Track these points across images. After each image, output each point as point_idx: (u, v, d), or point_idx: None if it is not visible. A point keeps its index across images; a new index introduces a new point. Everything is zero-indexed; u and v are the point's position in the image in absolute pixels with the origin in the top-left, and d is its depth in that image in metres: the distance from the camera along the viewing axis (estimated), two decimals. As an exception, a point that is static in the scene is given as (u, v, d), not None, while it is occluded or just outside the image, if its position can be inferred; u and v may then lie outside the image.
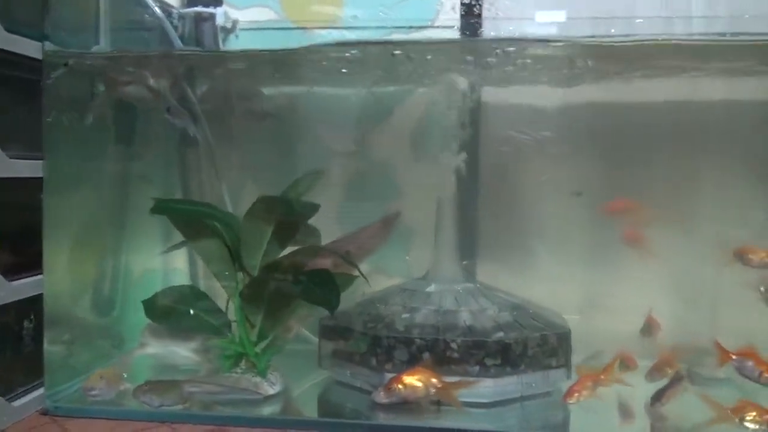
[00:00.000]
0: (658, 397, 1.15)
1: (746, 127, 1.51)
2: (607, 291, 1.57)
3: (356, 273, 1.33)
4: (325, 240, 1.41)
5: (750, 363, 1.14)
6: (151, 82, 1.30)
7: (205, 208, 1.30)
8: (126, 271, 1.56)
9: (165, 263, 1.61)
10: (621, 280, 1.57)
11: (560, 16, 1.45)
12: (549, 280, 1.58)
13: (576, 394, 1.14)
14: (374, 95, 1.67)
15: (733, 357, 1.16)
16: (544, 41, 1.43)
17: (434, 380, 1.15)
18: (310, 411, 1.33)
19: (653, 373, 1.28)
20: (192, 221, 1.27)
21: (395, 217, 1.47)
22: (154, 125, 1.54)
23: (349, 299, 1.39)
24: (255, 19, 1.66)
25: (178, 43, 1.51)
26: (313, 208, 1.27)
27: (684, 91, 1.53)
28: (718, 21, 1.37)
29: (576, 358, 1.38)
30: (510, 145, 1.63)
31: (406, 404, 1.19)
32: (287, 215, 1.25)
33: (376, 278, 1.51)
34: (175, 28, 1.54)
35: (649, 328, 1.36)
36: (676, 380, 1.15)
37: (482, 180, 1.64)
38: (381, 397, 1.17)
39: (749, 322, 1.36)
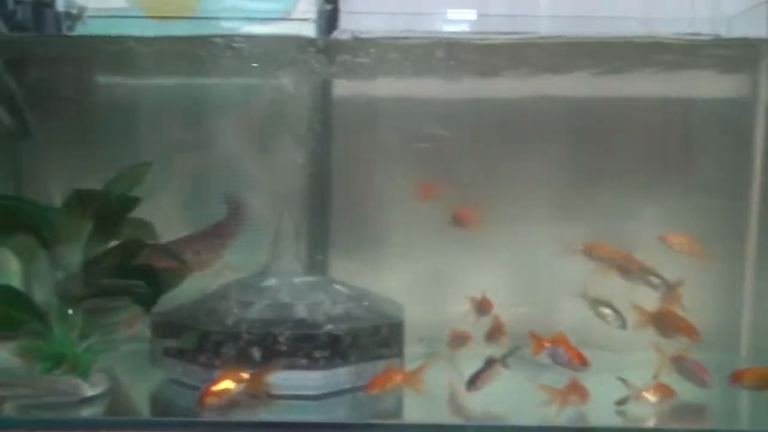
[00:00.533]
0: (473, 381, 1.18)
1: (622, 124, 1.57)
2: (459, 280, 1.60)
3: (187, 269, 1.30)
4: (169, 238, 1.37)
5: (560, 350, 1.19)
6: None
7: (16, 202, 1.23)
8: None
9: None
10: (471, 269, 1.61)
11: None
12: (402, 272, 1.60)
13: (378, 385, 1.16)
14: (222, 88, 1.64)
15: (546, 345, 1.20)
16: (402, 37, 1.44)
17: (242, 375, 1.14)
18: (137, 410, 1.29)
19: (490, 338, 1.36)
20: (1, 217, 1.20)
21: (239, 213, 1.45)
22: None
23: (184, 295, 1.36)
24: (104, 6, 1.60)
25: (2, 28, 1.43)
26: (134, 201, 1.23)
27: (552, 88, 1.57)
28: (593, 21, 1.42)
29: (420, 348, 1.41)
30: (364, 138, 1.64)
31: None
32: (105, 209, 1.21)
33: (224, 274, 1.49)
34: (13, 13, 1.47)
35: (480, 307, 1.40)
36: (489, 364, 1.19)
37: (335, 173, 1.64)
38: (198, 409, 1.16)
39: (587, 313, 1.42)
